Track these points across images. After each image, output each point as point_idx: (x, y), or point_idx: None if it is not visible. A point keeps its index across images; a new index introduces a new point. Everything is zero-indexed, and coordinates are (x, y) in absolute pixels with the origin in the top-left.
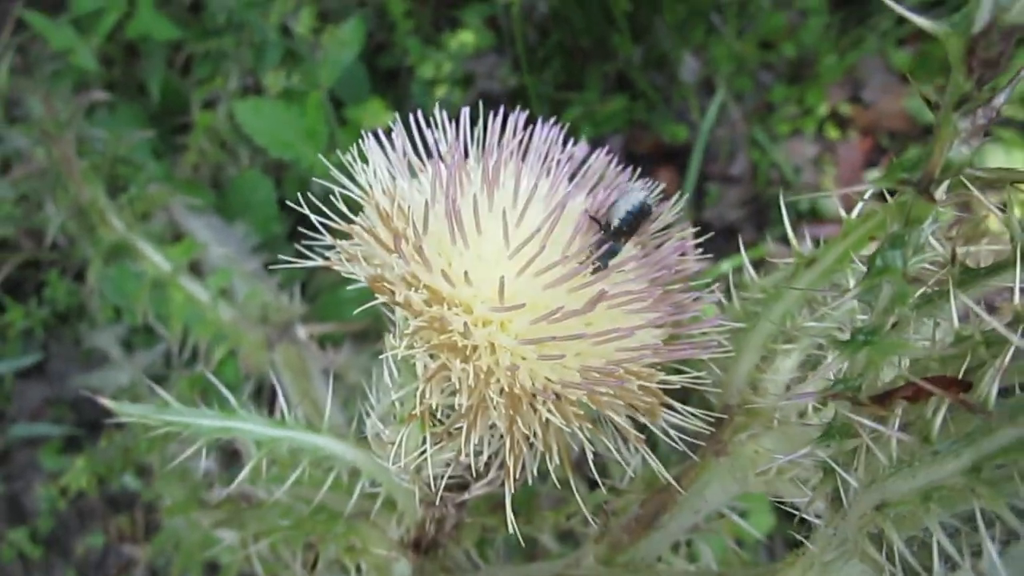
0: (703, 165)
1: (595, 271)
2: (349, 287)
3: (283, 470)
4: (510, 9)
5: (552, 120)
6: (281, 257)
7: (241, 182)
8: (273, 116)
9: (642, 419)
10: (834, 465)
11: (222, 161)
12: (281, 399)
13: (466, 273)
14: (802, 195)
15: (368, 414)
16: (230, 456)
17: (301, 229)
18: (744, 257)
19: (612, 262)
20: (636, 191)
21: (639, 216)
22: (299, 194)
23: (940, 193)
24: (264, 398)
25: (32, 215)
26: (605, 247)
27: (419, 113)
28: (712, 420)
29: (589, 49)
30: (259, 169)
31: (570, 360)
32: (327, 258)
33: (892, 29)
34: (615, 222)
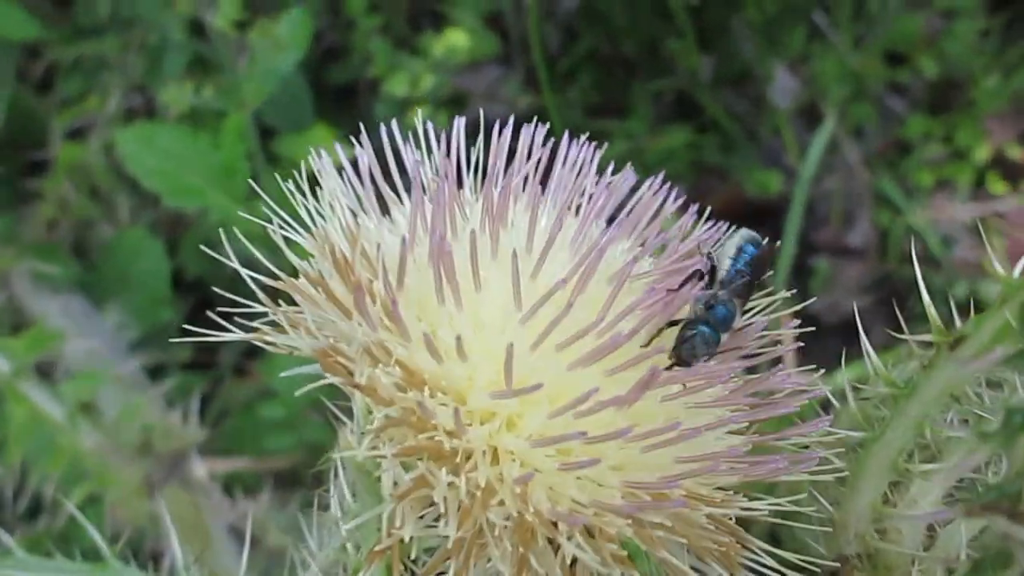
0: (806, 231)
1: (706, 352)
2: (272, 404)
3: None
4: (522, 1)
5: (583, 139)
6: (188, 328)
7: (118, 246)
8: (171, 148)
9: (715, 569)
10: None
11: (92, 216)
12: (176, 554)
13: (459, 343)
14: (957, 279)
15: (302, 567)
16: None
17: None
18: (865, 343)
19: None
20: (735, 235)
21: (759, 263)
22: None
23: None
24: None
25: None
26: (718, 309)
27: (393, 126)
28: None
29: (635, 59)
30: (145, 227)
31: (607, 473)
32: (255, 329)
33: None
34: (723, 271)
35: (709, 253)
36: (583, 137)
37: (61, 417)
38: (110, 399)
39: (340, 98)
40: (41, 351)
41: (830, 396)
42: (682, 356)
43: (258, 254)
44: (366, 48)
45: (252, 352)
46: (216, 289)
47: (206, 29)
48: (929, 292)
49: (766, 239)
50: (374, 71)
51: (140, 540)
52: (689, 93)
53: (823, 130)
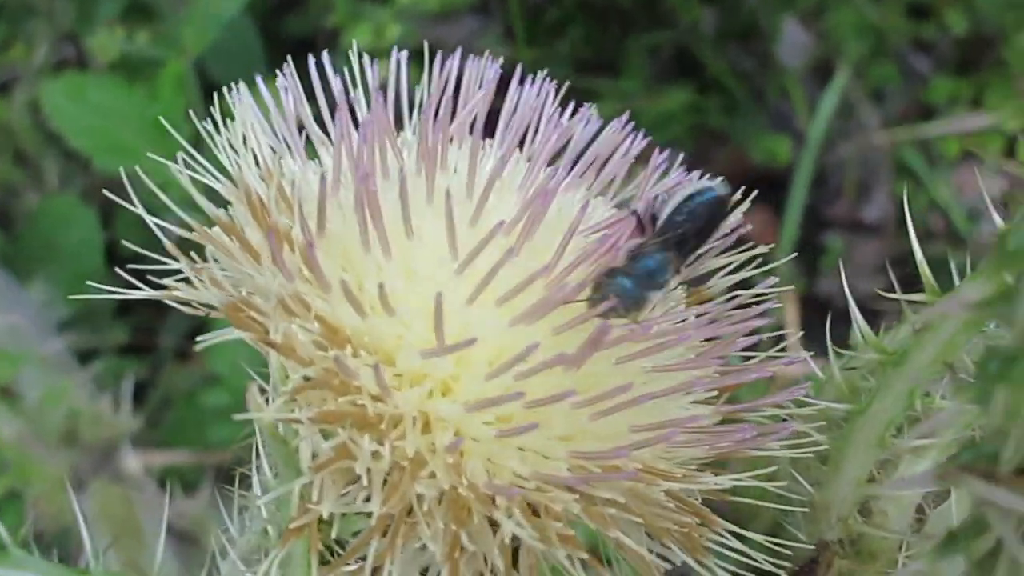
0: (817, 203)
1: (623, 308)
2: (215, 390)
3: None
4: None
5: (543, 79)
6: (92, 285)
7: (45, 215)
8: (103, 102)
9: (678, 554)
10: None
11: (15, 181)
12: (87, 546)
13: (382, 292)
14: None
15: (222, 556)
16: None
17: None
18: (853, 307)
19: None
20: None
21: (707, 214)
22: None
23: None
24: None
25: None
26: (643, 260)
27: (324, 57)
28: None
29: (630, 10)
30: (76, 194)
31: (553, 444)
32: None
33: None
34: (660, 219)
35: (656, 197)
36: (540, 74)
37: None
38: (33, 383)
39: (296, 51)
40: None
41: (814, 367)
42: (591, 305)
43: (170, 203)
44: None
45: (195, 334)
46: (125, 242)
47: None
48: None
49: (729, 191)
50: (334, 20)
51: (67, 539)
52: (689, 49)
53: (834, 87)
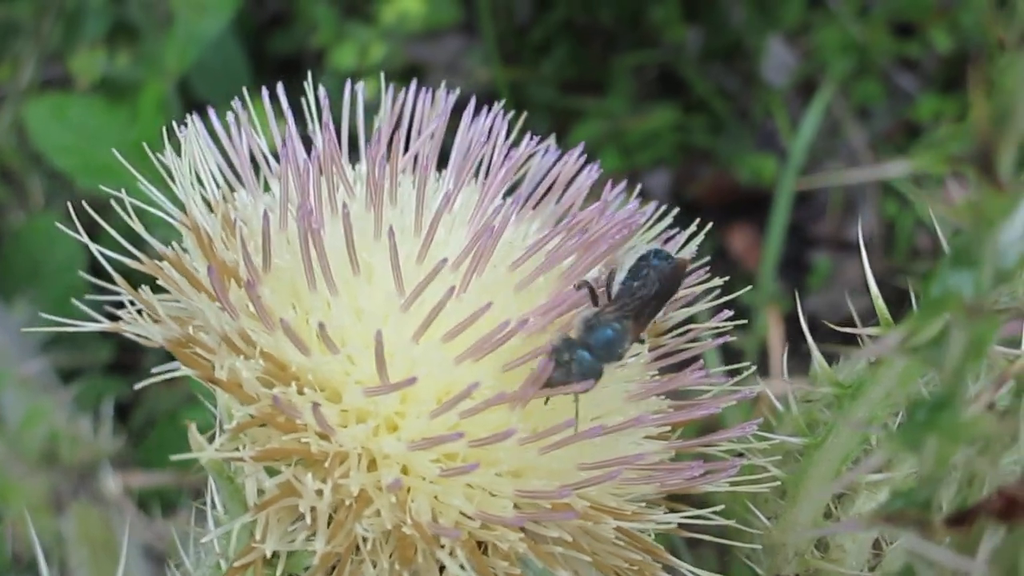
0: (803, 222)
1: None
2: (197, 410)
3: None
4: None
5: (498, 111)
6: (45, 316)
7: (29, 234)
8: (85, 123)
9: None
10: None
11: (1, 200)
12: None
13: (323, 330)
14: None
15: None
16: None
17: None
18: (811, 341)
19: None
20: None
21: (661, 279)
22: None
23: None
24: None
25: None
26: (601, 332)
27: (278, 89)
28: None
29: (614, 30)
30: (59, 214)
31: (499, 481)
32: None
33: None
34: (616, 284)
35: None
36: (498, 105)
37: None
38: (14, 403)
39: (282, 71)
40: None
41: (772, 398)
42: (553, 383)
43: (115, 235)
44: (311, 15)
45: None
46: (82, 273)
47: None
48: None
49: (685, 259)
50: (319, 40)
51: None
52: (674, 68)
53: (817, 104)
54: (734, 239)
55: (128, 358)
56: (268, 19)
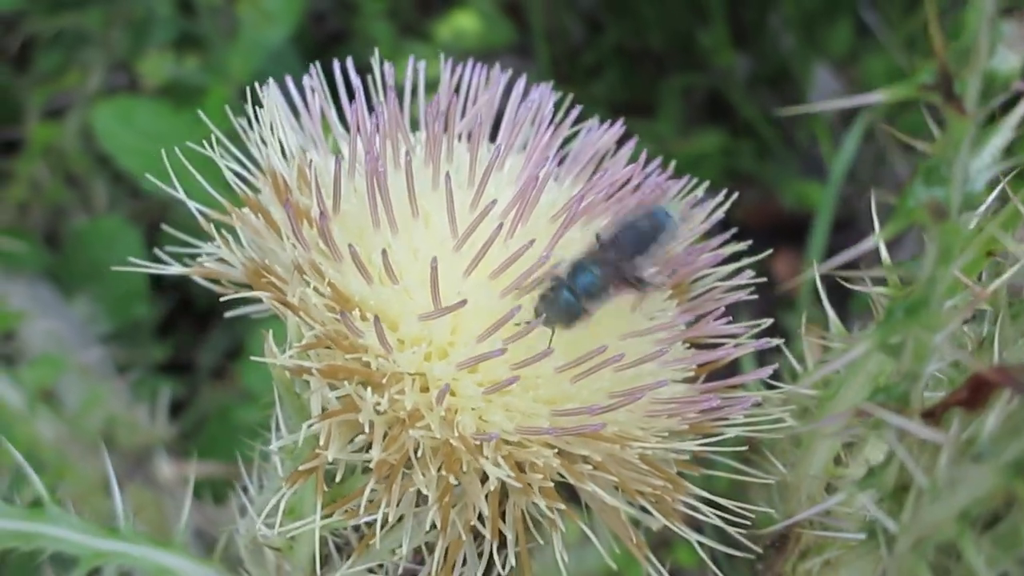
0: (847, 247)
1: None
2: (248, 407)
3: None
4: None
5: (548, 87)
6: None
7: (92, 235)
8: (150, 126)
9: (653, 515)
10: (881, 516)
11: (65, 202)
12: (116, 500)
13: (385, 258)
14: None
15: (241, 514)
16: None
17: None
18: (822, 292)
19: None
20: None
21: (640, 230)
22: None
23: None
24: None
25: None
26: (582, 276)
27: (349, 62)
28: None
29: (664, 54)
30: (123, 215)
31: (536, 406)
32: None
33: None
34: (604, 236)
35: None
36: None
37: (19, 404)
38: (73, 389)
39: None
40: (3, 328)
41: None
42: (537, 313)
43: (209, 188)
44: (370, 32)
45: (233, 353)
46: (165, 227)
47: (193, 5)
48: None
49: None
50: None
51: None
52: (722, 93)
53: (855, 128)
54: (777, 264)
55: (182, 357)
56: (328, 37)
